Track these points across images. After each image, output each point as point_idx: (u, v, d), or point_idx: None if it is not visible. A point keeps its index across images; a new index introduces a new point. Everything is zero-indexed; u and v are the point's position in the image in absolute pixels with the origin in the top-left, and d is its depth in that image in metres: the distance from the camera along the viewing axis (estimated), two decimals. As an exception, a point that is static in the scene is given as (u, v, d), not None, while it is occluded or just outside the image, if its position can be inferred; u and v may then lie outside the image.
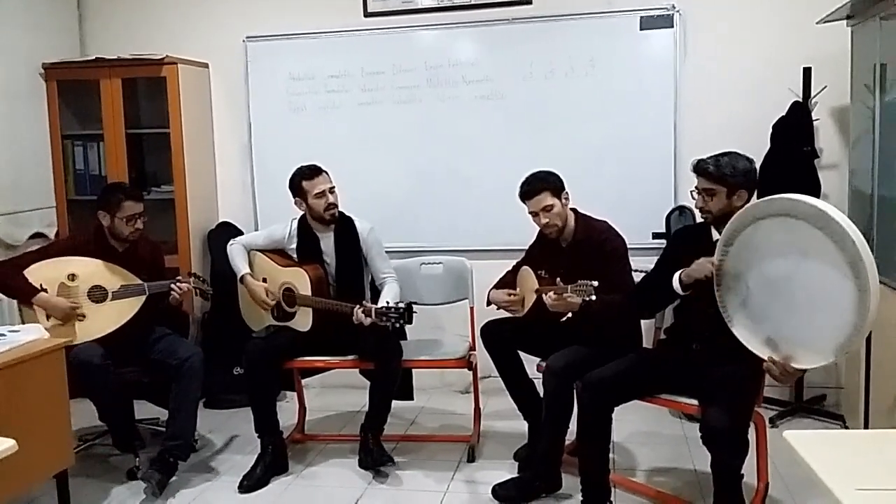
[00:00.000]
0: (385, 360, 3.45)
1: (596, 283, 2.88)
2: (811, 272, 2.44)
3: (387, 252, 3.78)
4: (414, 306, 3.30)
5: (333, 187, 3.60)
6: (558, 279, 3.01)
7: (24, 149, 4.37)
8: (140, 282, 3.48)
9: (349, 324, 3.35)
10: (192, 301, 4.16)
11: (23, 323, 3.36)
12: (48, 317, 3.38)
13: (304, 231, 3.65)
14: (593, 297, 2.87)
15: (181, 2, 4.75)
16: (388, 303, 3.36)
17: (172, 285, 3.47)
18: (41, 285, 3.40)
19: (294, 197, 3.61)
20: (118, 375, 3.38)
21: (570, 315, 3.10)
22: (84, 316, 3.43)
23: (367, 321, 3.30)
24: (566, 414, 3.13)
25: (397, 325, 3.26)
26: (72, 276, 3.44)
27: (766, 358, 2.59)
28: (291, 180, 3.60)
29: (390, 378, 3.49)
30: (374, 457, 3.44)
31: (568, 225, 3.31)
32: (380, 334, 3.43)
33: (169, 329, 3.62)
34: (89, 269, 3.46)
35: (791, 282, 2.51)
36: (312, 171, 3.57)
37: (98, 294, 3.45)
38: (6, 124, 4.24)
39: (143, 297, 3.46)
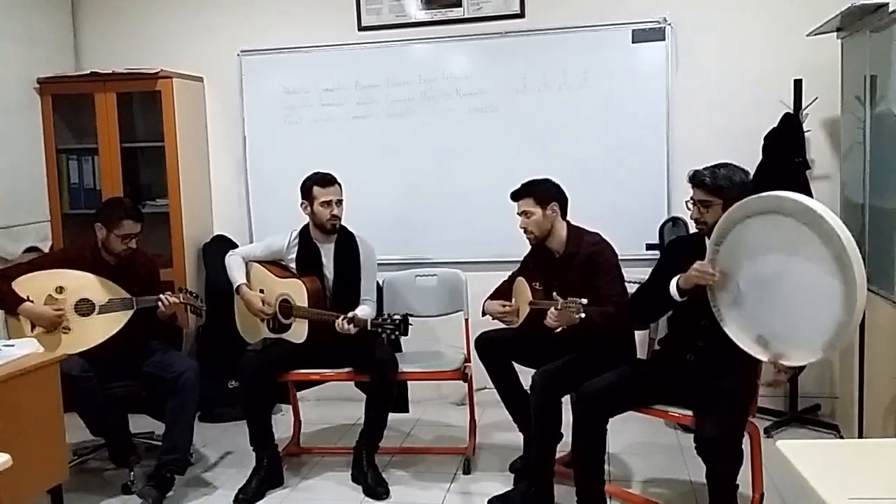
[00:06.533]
0: (381, 372, 3.45)
1: (585, 301, 2.88)
2: (800, 269, 2.47)
3: (382, 264, 3.80)
4: (409, 318, 3.31)
5: (341, 200, 3.62)
6: (554, 293, 3.01)
7: (18, 163, 4.37)
8: (129, 296, 3.47)
9: (344, 336, 3.35)
10: (187, 315, 4.15)
11: (8, 335, 3.35)
12: (33, 327, 3.38)
13: (306, 241, 3.66)
14: (582, 315, 2.88)
15: (176, 16, 4.77)
16: (385, 314, 3.37)
17: (160, 298, 3.45)
18: (28, 297, 3.40)
19: (302, 199, 3.62)
20: (104, 388, 3.36)
21: (564, 327, 3.10)
22: (69, 329, 3.42)
23: (353, 330, 3.31)
24: (555, 425, 3.14)
25: (392, 337, 3.27)
26: (59, 289, 3.44)
27: (763, 359, 2.62)
28: (304, 183, 3.61)
29: (386, 391, 3.49)
30: (368, 482, 3.43)
31: (559, 236, 3.31)
32: (375, 347, 3.44)
33: (163, 342, 3.61)
34: (78, 283, 3.45)
35: (781, 279, 2.54)
36: (326, 180, 3.59)
37: (85, 307, 3.44)
38: (1, 138, 4.24)
39: (131, 312, 3.45)
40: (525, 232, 3.33)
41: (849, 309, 2.32)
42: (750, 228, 2.61)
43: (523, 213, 3.30)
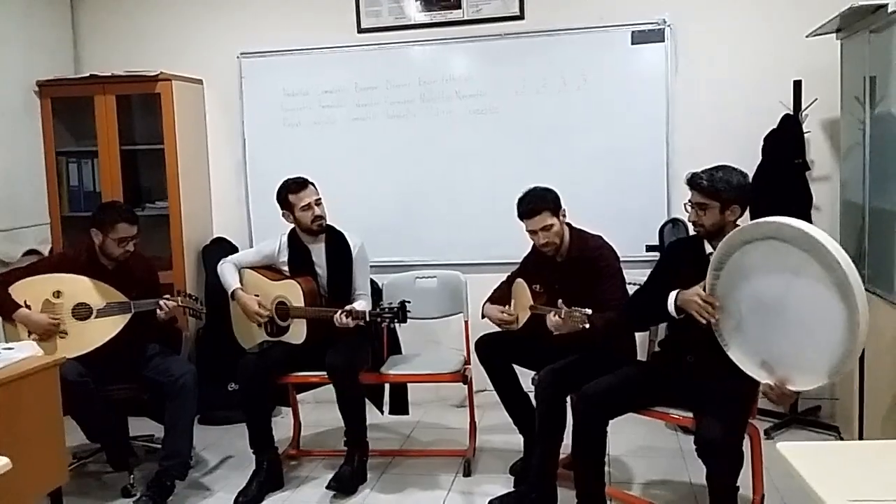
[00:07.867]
0: (337, 380, 3.43)
1: (590, 312, 2.87)
2: (802, 295, 2.45)
3: (382, 266, 3.79)
4: (406, 304, 3.31)
5: (320, 199, 3.61)
6: (559, 301, 2.99)
7: (18, 165, 4.37)
8: (126, 299, 3.46)
9: (343, 333, 3.36)
10: (186, 318, 4.16)
11: (5, 339, 3.35)
12: (29, 333, 3.37)
13: (295, 243, 3.66)
14: (586, 326, 2.87)
15: (175, 18, 4.77)
16: (381, 304, 3.37)
17: (159, 302, 3.45)
18: (25, 302, 3.40)
19: (282, 210, 3.63)
20: (102, 392, 3.36)
21: (564, 333, 3.08)
22: (66, 333, 3.41)
23: (352, 323, 3.31)
24: (559, 427, 3.13)
25: (392, 325, 3.26)
26: (57, 293, 3.43)
27: (763, 382, 2.60)
28: (278, 194, 3.62)
29: (346, 396, 3.46)
30: (338, 473, 3.42)
31: (563, 241, 3.31)
32: (336, 350, 3.43)
33: (161, 346, 3.60)
34: (76, 287, 3.45)
35: (783, 305, 2.52)
36: (298, 185, 3.59)
37: (82, 311, 3.43)
38: (0, 141, 4.24)
39: (129, 315, 3.44)
40: (546, 245, 3.26)
41: (852, 335, 2.31)
42: (750, 254, 2.59)
43: (543, 229, 3.23)
